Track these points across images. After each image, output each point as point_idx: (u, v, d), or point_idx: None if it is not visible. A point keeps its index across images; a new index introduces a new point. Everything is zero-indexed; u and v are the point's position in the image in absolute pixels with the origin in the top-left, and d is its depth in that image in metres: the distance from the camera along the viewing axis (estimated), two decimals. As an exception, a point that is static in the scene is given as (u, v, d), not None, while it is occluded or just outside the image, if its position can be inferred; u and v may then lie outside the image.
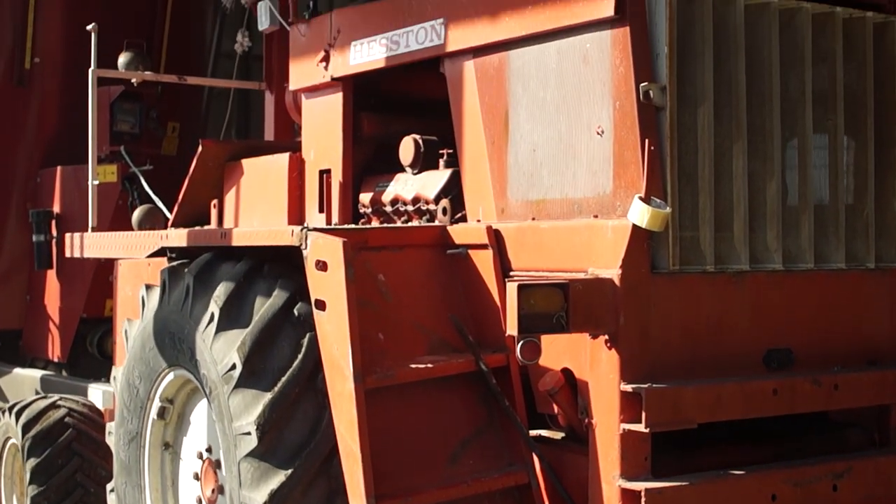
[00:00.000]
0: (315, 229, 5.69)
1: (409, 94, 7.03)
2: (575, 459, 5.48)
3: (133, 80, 9.19)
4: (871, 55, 5.89)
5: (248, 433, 5.71)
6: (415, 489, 5.47)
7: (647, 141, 5.17)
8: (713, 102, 5.38)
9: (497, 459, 5.70)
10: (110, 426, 7.26)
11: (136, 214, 8.90)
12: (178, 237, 6.82)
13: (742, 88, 5.46)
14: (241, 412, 5.77)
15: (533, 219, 5.76)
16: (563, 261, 5.49)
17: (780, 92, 5.58)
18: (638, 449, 5.18)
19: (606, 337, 5.24)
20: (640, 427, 5.13)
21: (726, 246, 5.45)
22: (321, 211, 7.05)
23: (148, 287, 6.85)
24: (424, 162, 6.59)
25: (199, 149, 7.85)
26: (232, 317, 6.01)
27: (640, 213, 5.14)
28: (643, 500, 5.06)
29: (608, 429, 5.23)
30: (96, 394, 8.98)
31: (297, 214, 7.24)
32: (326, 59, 7.02)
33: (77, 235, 8.35)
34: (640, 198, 5.15)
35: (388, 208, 6.73)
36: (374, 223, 6.84)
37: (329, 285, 5.52)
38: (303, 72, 7.26)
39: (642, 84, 5.25)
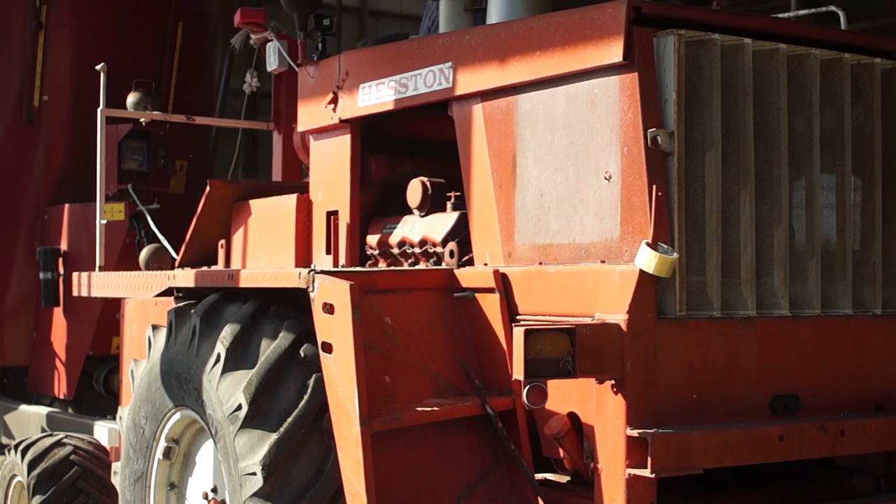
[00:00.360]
0: (322, 272, 5.70)
1: (417, 136, 7.05)
2: (581, 504, 5.47)
3: (142, 120, 9.21)
4: (879, 101, 5.89)
5: (254, 473, 5.70)
6: (420, 533, 5.46)
7: (654, 186, 5.18)
8: (721, 148, 5.39)
9: (503, 503, 5.68)
10: (116, 466, 7.26)
11: (144, 254, 8.91)
12: (185, 278, 6.82)
13: (750, 134, 5.47)
14: (247, 452, 5.77)
15: (540, 263, 5.76)
16: (570, 305, 5.49)
17: (788, 137, 5.59)
18: (644, 494, 5.17)
19: (613, 382, 5.24)
20: (646, 472, 5.12)
21: (733, 291, 5.45)
22: (328, 252, 7.06)
23: (154, 328, 6.85)
24: (432, 204, 6.60)
25: (207, 189, 7.87)
26: (238, 357, 6.01)
27: (648, 259, 5.14)
28: (649, 545, 5.06)
29: (614, 473, 5.21)
30: (102, 431, 8.98)
31: (304, 256, 7.25)
32: (335, 101, 7.04)
33: (84, 275, 8.35)
34: (648, 243, 5.16)
35: (396, 250, 6.74)
36: (382, 265, 6.84)
37: (336, 328, 5.52)
38: (311, 113, 7.28)
39: (650, 130, 5.26)
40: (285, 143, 8.65)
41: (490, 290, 5.87)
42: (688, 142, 5.33)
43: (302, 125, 7.43)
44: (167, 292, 7.09)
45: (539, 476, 5.73)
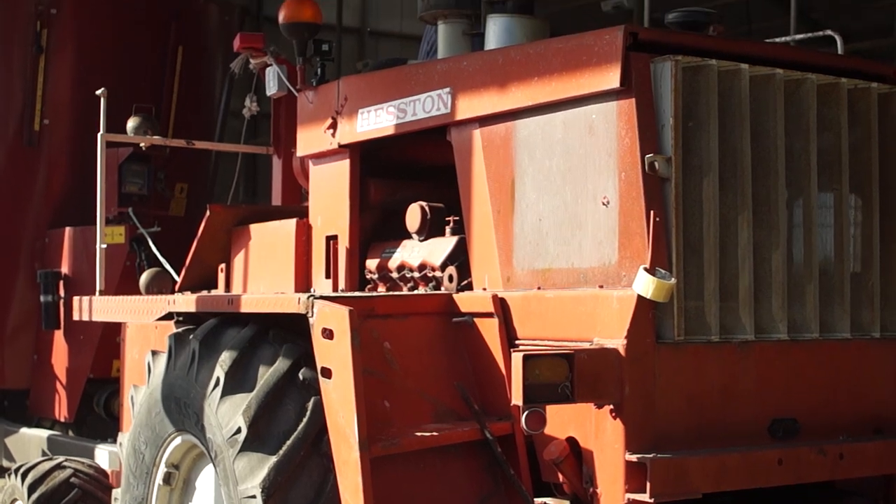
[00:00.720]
0: (322, 297, 5.71)
1: (416, 160, 7.07)
2: (580, 529, 5.48)
3: (142, 145, 9.24)
4: (875, 125, 5.91)
5: (254, 496, 5.72)
6: (419, 558, 5.47)
7: (652, 212, 5.20)
8: (718, 173, 5.41)
9: (503, 528, 5.70)
10: (116, 492, 7.26)
11: (144, 278, 8.92)
12: (185, 303, 6.83)
13: (747, 159, 5.49)
14: (247, 475, 5.78)
15: (539, 288, 5.77)
16: (569, 330, 5.51)
17: (786, 161, 5.61)
18: (643, 519, 5.18)
19: (611, 407, 5.25)
20: (645, 497, 5.13)
21: (731, 316, 5.46)
22: (328, 277, 7.08)
23: (154, 353, 6.87)
24: (431, 229, 6.62)
25: (207, 214, 7.89)
26: (237, 381, 6.02)
27: (645, 285, 5.15)
28: (648, 570, 5.07)
29: (613, 498, 5.23)
30: (102, 454, 8.99)
31: (303, 280, 7.26)
32: (334, 126, 7.06)
33: (85, 299, 8.36)
34: (646, 269, 5.17)
35: (395, 274, 6.76)
36: (381, 289, 6.86)
37: (335, 354, 5.54)
38: (310, 138, 7.30)
39: (647, 155, 5.28)
40: (285, 168, 8.67)
41: (489, 315, 5.88)
42: (685, 167, 5.35)
43: (301, 150, 7.46)
44: (168, 316, 7.11)
45: (538, 501, 5.71)
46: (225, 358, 6.08)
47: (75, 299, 8.52)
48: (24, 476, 8.47)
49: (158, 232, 9.54)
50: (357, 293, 6.52)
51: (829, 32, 7.12)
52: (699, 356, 5.38)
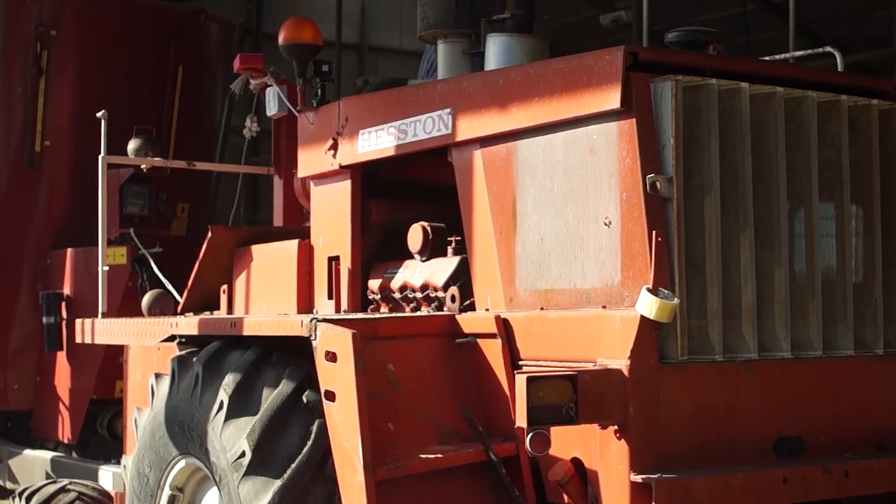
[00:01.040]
0: (324, 320, 5.71)
1: (417, 181, 7.08)
2: (585, 549, 5.47)
3: (143, 166, 9.25)
4: (876, 142, 5.91)
5: (259, 521, 5.72)
6: (425, 580, 5.47)
7: (654, 232, 5.20)
8: (720, 192, 5.41)
9: (508, 549, 5.69)
10: (121, 515, 7.26)
11: (146, 299, 8.92)
12: (187, 325, 6.83)
13: (748, 177, 5.49)
14: (251, 499, 5.77)
15: (541, 308, 5.77)
16: (572, 351, 5.50)
17: (787, 179, 5.61)
18: (648, 539, 5.17)
19: (616, 427, 5.24)
20: (651, 517, 5.12)
21: (735, 335, 5.46)
22: (330, 297, 7.07)
23: (157, 376, 6.86)
24: (433, 249, 6.63)
25: (209, 235, 7.89)
26: (241, 404, 6.02)
27: (648, 305, 5.15)
28: (653, 591, 5.06)
29: (618, 519, 5.22)
30: (106, 476, 8.97)
31: (306, 301, 7.26)
32: (335, 147, 7.07)
33: (88, 321, 8.37)
34: (648, 289, 5.17)
35: (397, 295, 6.76)
36: (384, 309, 6.86)
37: (338, 376, 5.54)
38: (311, 159, 7.31)
39: (649, 175, 5.28)
40: (286, 188, 8.67)
41: (492, 336, 5.88)
42: (687, 187, 5.35)
43: (302, 171, 7.46)
44: (170, 337, 7.11)
45: (543, 521, 5.73)
46: (228, 381, 6.08)
47: (78, 322, 8.52)
48: (28, 499, 8.45)
49: (160, 252, 9.54)
50: (360, 315, 6.52)
51: (828, 49, 7.12)
52: (703, 376, 5.38)
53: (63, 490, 8.53)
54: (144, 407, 7.04)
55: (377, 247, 7.11)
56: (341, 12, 22.61)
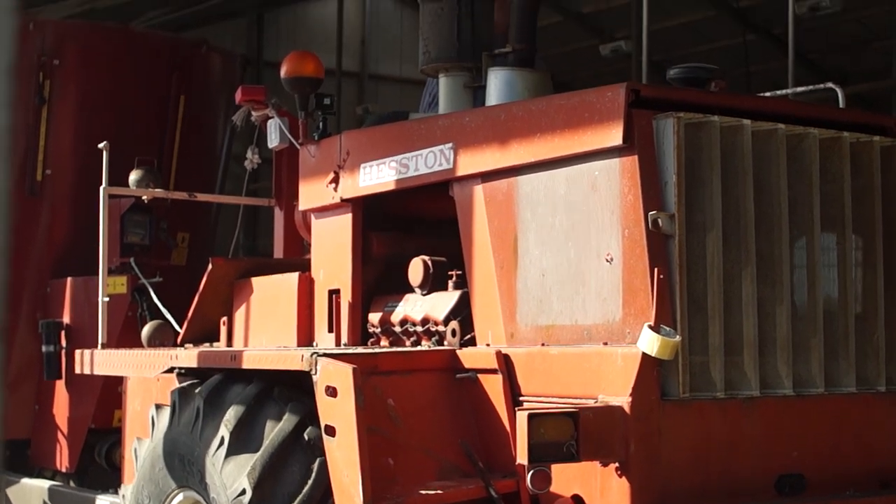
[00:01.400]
0: (325, 354, 5.70)
1: (418, 214, 7.08)
2: (586, 587, 5.45)
3: (144, 198, 9.27)
4: (878, 178, 5.91)
5: (259, 559, 5.70)
6: None
7: (656, 269, 5.19)
8: (721, 228, 5.40)
9: (508, 586, 5.67)
10: (118, 547, 7.23)
11: (146, 330, 8.91)
12: (187, 358, 6.82)
13: (750, 214, 5.49)
14: (252, 536, 5.77)
15: (543, 344, 5.76)
16: (573, 387, 5.49)
17: (789, 216, 5.61)
18: (650, 578, 5.16)
19: (617, 464, 5.23)
20: (652, 556, 5.11)
21: (736, 372, 5.45)
22: (330, 330, 7.06)
23: (158, 406, 6.85)
24: (433, 283, 6.62)
25: (210, 267, 7.88)
26: (242, 441, 6.00)
27: (650, 342, 5.14)
28: None
29: (620, 557, 5.20)
30: (104, 505, 8.96)
31: (306, 334, 7.25)
32: (336, 180, 7.07)
33: (87, 352, 8.36)
34: (650, 326, 5.16)
35: (398, 328, 6.75)
36: (384, 343, 6.85)
37: (339, 411, 5.53)
38: (312, 192, 7.31)
39: (651, 212, 5.28)
40: (286, 220, 8.67)
41: (493, 371, 5.87)
42: (689, 223, 5.35)
43: (303, 204, 7.46)
44: (170, 368, 7.10)
45: (544, 558, 5.71)
46: (230, 417, 6.07)
47: (77, 353, 8.51)
48: (26, 529, 8.45)
49: (160, 282, 9.53)
50: (360, 349, 6.51)
51: (830, 85, 7.13)
52: (704, 413, 5.37)
53: (61, 521, 8.53)
54: (143, 437, 7.02)
55: (378, 280, 7.09)
56: (342, 41, 22.70)
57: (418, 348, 6.48)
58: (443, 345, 6.39)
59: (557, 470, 5.28)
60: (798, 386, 5.62)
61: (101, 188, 8.41)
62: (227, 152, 10.75)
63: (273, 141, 8.08)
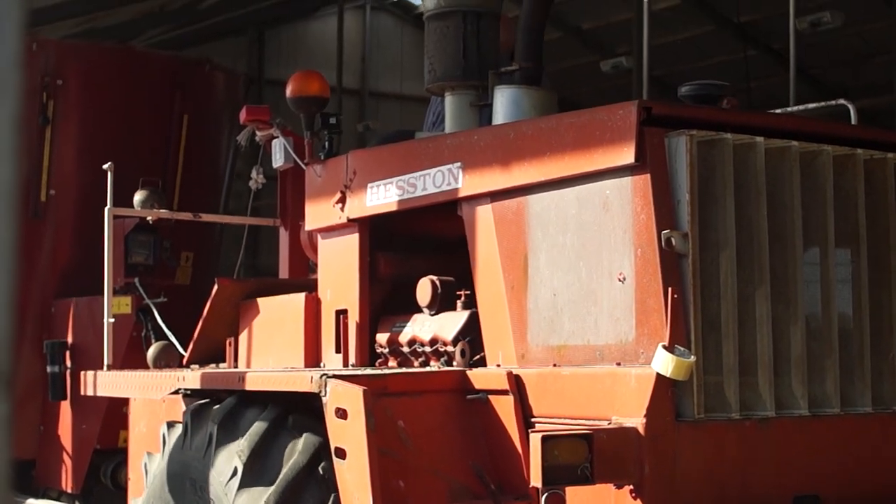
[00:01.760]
0: (335, 376, 5.65)
1: (426, 234, 7.02)
2: None
3: (149, 219, 9.24)
4: (893, 195, 5.86)
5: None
6: None
7: (670, 289, 5.13)
8: (735, 247, 5.35)
9: None
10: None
11: (151, 351, 8.87)
12: (194, 379, 6.78)
13: (764, 232, 5.42)
14: (264, 569, 5.71)
15: (554, 365, 5.70)
16: (586, 408, 5.43)
17: (802, 234, 5.56)
18: None
19: (631, 487, 5.16)
20: (667, 579, 5.05)
21: (751, 392, 5.38)
22: (338, 351, 7.01)
23: (170, 425, 6.80)
24: (441, 303, 6.55)
25: (215, 288, 7.84)
26: (255, 473, 5.93)
27: (665, 363, 5.08)
28: None
29: (634, 580, 5.14)
30: (109, 526, 8.93)
31: (313, 354, 7.20)
32: (342, 200, 7.02)
33: (92, 374, 8.32)
34: (664, 346, 5.10)
35: (406, 349, 6.69)
36: (392, 363, 6.80)
37: (349, 434, 5.47)
38: (319, 212, 7.26)
39: (664, 231, 5.21)
40: (292, 240, 8.63)
41: (504, 392, 5.80)
42: (702, 242, 5.28)
43: (310, 224, 7.41)
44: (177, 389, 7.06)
45: (558, 582, 5.64)
46: (243, 448, 5.99)
47: (83, 374, 8.48)
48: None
49: (164, 302, 9.50)
50: (369, 370, 6.45)
51: (842, 102, 7.09)
52: (719, 434, 5.30)
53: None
54: (155, 452, 6.98)
55: (385, 300, 7.04)
56: (342, 59, 22.69)
57: (428, 369, 6.42)
58: (451, 365, 6.34)
59: (571, 492, 5.21)
60: (813, 406, 5.55)
61: (106, 209, 8.37)
62: (231, 171, 10.73)
63: (278, 161, 8.04)
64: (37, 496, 10.55)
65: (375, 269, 6.99)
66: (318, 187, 7.31)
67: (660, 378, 5.13)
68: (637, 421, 5.16)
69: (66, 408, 10.30)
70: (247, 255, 16.52)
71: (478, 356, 6.23)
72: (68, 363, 10.14)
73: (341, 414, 5.51)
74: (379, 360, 6.92)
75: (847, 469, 5.66)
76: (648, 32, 16.53)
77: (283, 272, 8.73)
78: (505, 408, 5.80)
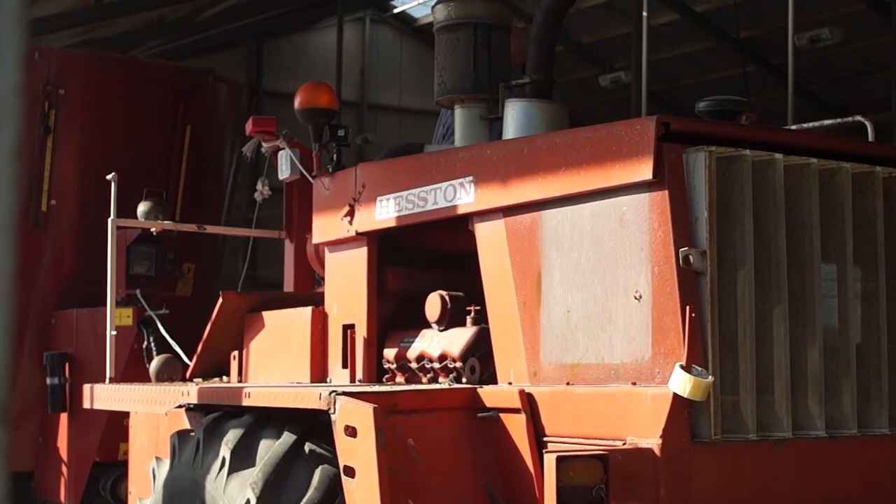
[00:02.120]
0: (344, 393, 5.57)
1: (435, 248, 6.95)
2: None
3: (153, 230, 9.17)
4: (911, 214, 5.80)
5: None
6: None
7: (688, 308, 5.05)
8: (753, 265, 5.27)
9: None
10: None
11: (154, 364, 8.78)
12: (199, 395, 6.69)
13: (782, 251, 5.34)
14: None
15: (568, 383, 5.61)
16: (600, 428, 5.34)
17: (821, 253, 5.48)
18: None
19: (646, 507, 5.09)
20: None
21: (768, 413, 5.30)
22: (345, 366, 6.92)
23: (180, 437, 6.72)
24: (451, 318, 6.47)
25: (220, 301, 7.75)
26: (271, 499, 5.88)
27: (682, 383, 4.99)
28: None
29: None
30: (107, 540, 8.85)
31: (319, 369, 7.11)
32: (351, 213, 6.93)
33: (94, 387, 8.23)
34: (682, 366, 5.02)
35: (414, 365, 6.60)
36: (399, 379, 6.71)
37: (359, 452, 5.39)
38: (326, 225, 7.17)
39: (682, 249, 5.13)
40: (297, 253, 8.55)
41: (516, 411, 5.70)
42: (720, 260, 5.19)
43: (317, 237, 7.32)
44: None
45: None
46: (257, 478, 5.89)
47: (85, 387, 8.39)
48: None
49: (165, 313, 9.43)
50: (377, 386, 6.36)
51: (859, 118, 7.02)
52: (736, 455, 5.21)
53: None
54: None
55: (393, 315, 6.95)
56: (341, 71, 22.61)
57: (438, 386, 6.33)
58: (460, 382, 6.26)
59: (584, 512, 5.15)
60: (830, 427, 5.47)
61: (110, 220, 8.29)
62: (234, 182, 10.66)
63: (284, 172, 7.96)
64: (34, 508, 10.49)
65: (383, 283, 6.90)
66: (325, 200, 7.23)
67: (676, 398, 5.04)
68: (653, 442, 5.07)
69: (65, 420, 10.24)
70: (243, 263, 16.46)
71: (487, 373, 6.14)
72: (68, 375, 10.06)
73: (350, 432, 5.43)
74: (386, 376, 6.83)
75: (864, 490, 5.57)
76: (647, 47, 16.52)
77: (288, 285, 8.64)
78: (517, 427, 5.71)
